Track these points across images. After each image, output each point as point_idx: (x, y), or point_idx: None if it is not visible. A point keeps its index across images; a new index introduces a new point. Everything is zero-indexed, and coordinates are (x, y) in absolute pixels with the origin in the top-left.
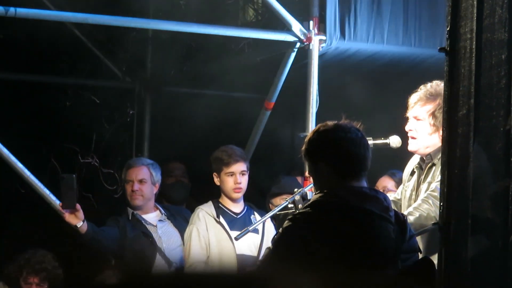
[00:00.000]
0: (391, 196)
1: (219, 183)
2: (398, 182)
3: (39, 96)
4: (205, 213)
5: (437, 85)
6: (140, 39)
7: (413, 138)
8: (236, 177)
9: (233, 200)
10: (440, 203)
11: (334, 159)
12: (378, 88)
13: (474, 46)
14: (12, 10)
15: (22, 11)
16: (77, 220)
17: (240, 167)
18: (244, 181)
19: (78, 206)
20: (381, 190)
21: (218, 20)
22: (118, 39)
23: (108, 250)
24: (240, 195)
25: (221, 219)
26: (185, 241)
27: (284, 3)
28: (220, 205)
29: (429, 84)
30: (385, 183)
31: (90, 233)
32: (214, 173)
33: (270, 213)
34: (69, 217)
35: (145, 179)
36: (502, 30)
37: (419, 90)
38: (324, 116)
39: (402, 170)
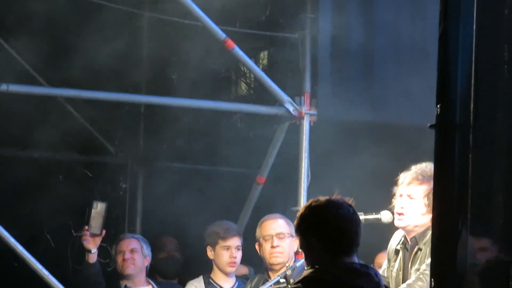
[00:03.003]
0: None
1: (213, 256)
2: None
3: (31, 171)
4: None
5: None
6: (133, 114)
7: (401, 214)
8: (232, 251)
9: (227, 274)
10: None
11: (325, 236)
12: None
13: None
14: (4, 86)
15: (14, 87)
16: (94, 246)
17: (236, 241)
18: (238, 256)
19: (103, 232)
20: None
21: (211, 95)
22: (110, 114)
23: None
24: (234, 269)
25: None
26: None
27: (276, 77)
28: (210, 280)
29: (424, 164)
30: None
31: (97, 268)
32: (208, 247)
33: None
34: (89, 240)
35: (136, 248)
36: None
37: (412, 169)
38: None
39: None
